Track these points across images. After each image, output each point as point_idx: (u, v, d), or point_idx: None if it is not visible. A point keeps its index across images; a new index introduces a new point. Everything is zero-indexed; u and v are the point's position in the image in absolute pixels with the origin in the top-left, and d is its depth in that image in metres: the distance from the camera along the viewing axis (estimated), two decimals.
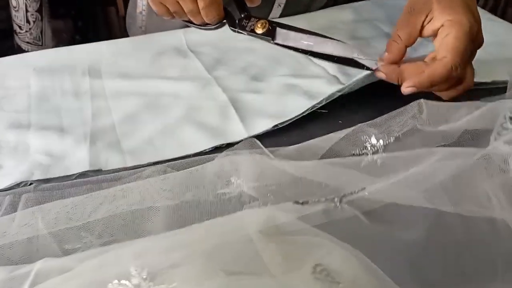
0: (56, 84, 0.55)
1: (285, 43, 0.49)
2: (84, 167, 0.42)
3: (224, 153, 0.39)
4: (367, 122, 0.44)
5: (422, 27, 0.46)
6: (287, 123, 0.47)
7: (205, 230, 0.28)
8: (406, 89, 0.44)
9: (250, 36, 0.51)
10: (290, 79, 0.55)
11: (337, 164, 0.35)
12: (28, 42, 0.79)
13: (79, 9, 0.82)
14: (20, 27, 0.79)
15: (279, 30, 0.50)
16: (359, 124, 0.44)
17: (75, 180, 0.40)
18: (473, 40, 0.44)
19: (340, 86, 0.51)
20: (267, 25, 0.50)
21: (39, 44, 0.79)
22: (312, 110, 0.48)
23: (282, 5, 0.70)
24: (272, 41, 0.50)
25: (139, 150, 0.45)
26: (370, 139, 0.43)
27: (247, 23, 0.51)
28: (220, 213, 0.34)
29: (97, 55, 0.61)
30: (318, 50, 0.48)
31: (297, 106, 0.49)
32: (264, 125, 0.47)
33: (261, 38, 0.51)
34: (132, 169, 0.42)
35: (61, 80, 0.55)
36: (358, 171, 0.36)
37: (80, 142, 0.45)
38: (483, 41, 0.46)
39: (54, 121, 0.49)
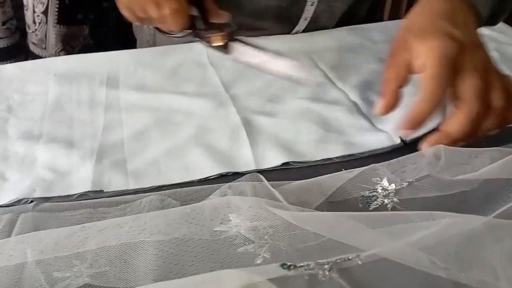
0: (73, 92, 0.55)
1: (241, 58, 0.52)
2: (86, 187, 0.42)
3: (227, 185, 0.38)
4: (381, 163, 0.41)
5: (410, 64, 0.43)
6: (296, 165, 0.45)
7: (184, 286, 0.27)
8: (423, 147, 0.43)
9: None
10: (307, 103, 0.53)
11: (340, 217, 0.33)
12: (33, 43, 0.80)
13: (98, 15, 0.81)
14: (28, 26, 0.80)
15: (237, 45, 0.52)
16: (372, 164, 0.42)
17: (74, 202, 0.39)
18: (455, 64, 0.41)
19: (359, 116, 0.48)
20: (226, 38, 0.52)
21: (43, 47, 0.79)
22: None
23: (308, 19, 0.68)
24: (228, 54, 0.52)
25: (143, 172, 0.44)
26: (382, 181, 0.41)
27: (208, 34, 0.53)
28: (214, 255, 0.33)
29: (117, 64, 0.60)
30: (269, 66, 0.51)
31: (310, 140, 0.47)
32: (273, 159, 0.45)
33: (219, 51, 0.53)
34: (133, 193, 0.41)
35: (78, 88, 0.56)
36: (365, 222, 0.33)
37: (86, 158, 0.45)
38: (484, 61, 0.43)
39: (64, 132, 0.49)
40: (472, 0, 0.46)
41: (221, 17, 0.56)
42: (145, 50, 0.65)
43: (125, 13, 0.53)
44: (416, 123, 0.41)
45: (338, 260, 0.29)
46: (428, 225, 0.34)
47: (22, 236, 0.34)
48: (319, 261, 0.29)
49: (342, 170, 0.42)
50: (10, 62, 0.59)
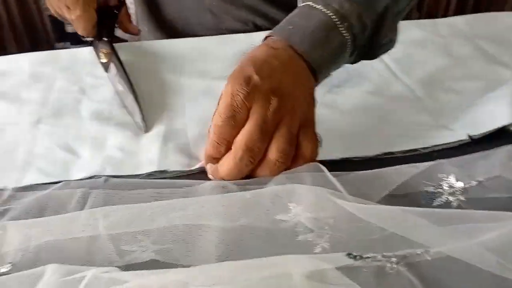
0: (142, 78, 0.57)
1: (111, 79, 0.55)
2: (152, 167, 0.44)
3: (284, 175, 0.38)
4: (448, 159, 0.40)
5: None
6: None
7: (248, 268, 0.27)
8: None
9: None
10: (369, 96, 0.53)
11: (405, 212, 0.32)
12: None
13: None
14: None
15: (112, 66, 0.56)
16: (439, 160, 0.40)
17: (142, 181, 0.41)
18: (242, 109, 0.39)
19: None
20: (109, 56, 0.57)
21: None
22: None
23: None
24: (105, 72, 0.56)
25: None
26: (448, 178, 0.40)
27: (99, 47, 0.58)
28: (274, 241, 0.34)
29: (179, 51, 0.62)
30: (122, 97, 0.53)
31: (371, 133, 0.47)
32: (333, 151, 0.44)
33: (102, 66, 0.57)
34: (196, 173, 0.42)
35: (147, 75, 0.58)
36: (429, 219, 0.33)
37: (153, 141, 0.47)
38: (278, 110, 0.39)
39: (133, 116, 0.51)
40: (306, 53, 0.43)
41: (132, 31, 0.64)
42: (206, 38, 0.66)
43: (50, 8, 0.61)
44: (207, 160, 0.41)
45: (407, 254, 0.28)
46: (496, 227, 0.33)
47: (95, 209, 0.36)
48: (385, 253, 0.28)
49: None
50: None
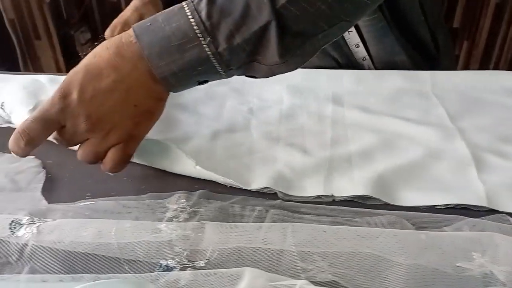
0: (304, 105, 0.60)
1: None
2: (318, 190, 0.46)
3: (468, 221, 0.38)
4: None
5: None
6: None
7: None
8: None
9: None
10: None
11: None
12: None
13: None
14: None
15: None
16: None
17: (315, 206, 0.43)
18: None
19: None
20: None
21: None
22: None
23: None
24: None
25: (371, 186, 0.46)
26: None
27: None
28: None
29: (339, 83, 0.64)
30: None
31: None
32: (510, 203, 0.43)
33: None
34: (365, 208, 0.43)
35: (308, 102, 0.61)
36: None
37: (319, 166, 0.49)
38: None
39: (298, 139, 0.54)
40: (151, 60, 0.40)
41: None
42: (366, 72, 0.68)
43: None
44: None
45: None
46: None
47: (279, 224, 0.39)
48: None
49: None
50: None
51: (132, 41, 0.40)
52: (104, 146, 0.42)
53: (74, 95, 0.40)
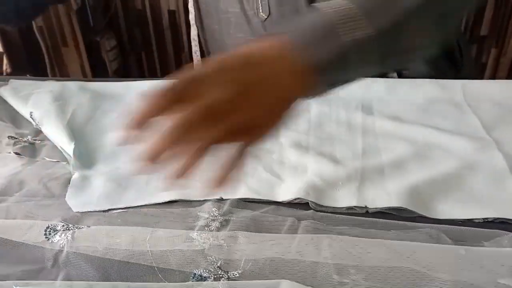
0: (333, 113, 0.60)
1: None
2: (351, 201, 0.45)
3: (508, 236, 0.36)
4: None
5: None
6: None
7: None
8: None
9: None
10: None
11: None
12: None
13: None
14: None
15: None
16: None
17: (347, 217, 0.43)
18: None
19: None
20: None
21: None
22: None
23: None
24: None
25: (405, 197, 0.45)
26: None
27: None
28: None
29: (369, 92, 0.64)
30: None
31: None
32: None
33: None
34: (401, 220, 0.42)
35: (337, 110, 0.60)
36: None
37: (350, 176, 0.49)
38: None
39: (328, 148, 0.53)
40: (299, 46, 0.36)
41: None
42: (396, 80, 0.67)
43: None
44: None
45: None
46: None
47: (315, 235, 0.38)
48: None
49: None
50: None
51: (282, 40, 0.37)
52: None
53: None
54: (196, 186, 0.47)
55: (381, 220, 0.42)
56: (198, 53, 0.81)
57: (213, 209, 0.44)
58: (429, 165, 0.50)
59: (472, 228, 0.41)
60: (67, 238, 0.40)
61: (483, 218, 0.43)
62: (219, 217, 0.43)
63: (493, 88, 0.62)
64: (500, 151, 0.50)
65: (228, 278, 0.36)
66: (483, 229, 0.41)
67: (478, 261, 0.35)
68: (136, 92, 0.64)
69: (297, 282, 0.35)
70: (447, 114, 0.58)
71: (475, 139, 0.53)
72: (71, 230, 0.41)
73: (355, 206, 0.45)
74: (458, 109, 0.59)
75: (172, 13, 1.50)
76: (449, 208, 0.44)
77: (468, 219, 0.43)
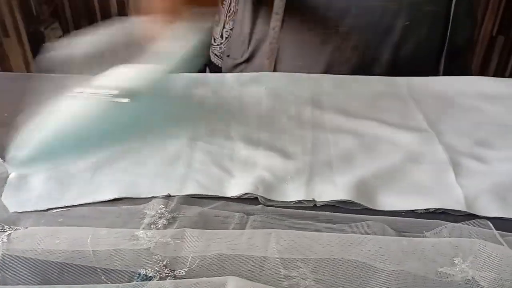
0: (283, 108, 0.60)
1: None
2: (299, 195, 0.46)
3: (447, 226, 0.38)
4: None
5: None
6: None
7: None
8: None
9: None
10: None
11: None
12: (215, 54, 0.88)
13: None
14: (214, 39, 0.88)
15: None
16: None
17: (297, 211, 0.43)
18: None
19: None
20: None
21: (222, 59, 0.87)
22: None
23: None
24: None
25: (352, 190, 0.46)
26: None
27: None
28: None
29: (319, 87, 0.64)
30: None
31: None
32: (488, 206, 0.43)
33: None
34: (348, 213, 0.43)
35: (287, 105, 0.61)
36: None
37: (300, 170, 0.49)
38: None
39: (278, 143, 0.53)
40: None
41: None
42: (346, 77, 0.68)
43: None
44: None
45: None
46: None
47: (262, 230, 0.38)
48: None
49: None
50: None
51: None
52: None
53: None
54: (143, 183, 0.47)
55: (329, 213, 0.43)
56: None
57: (160, 206, 0.43)
58: (375, 158, 0.51)
59: (415, 219, 0.43)
60: (2, 240, 0.38)
61: (424, 209, 0.44)
62: (167, 214, 0.42)
63: (435, 83, 0.65)
64: (441, 144, 0.52)
65: (175, 277, 0.35)
66: (426, 220, 0.42)
67: (419, 251, 0.36)
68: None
69: (245, 277, 0.34)
70: (393, 109, 0.60)
71: (419, 132, 0.55)
72: (6, 232, 0.39)
73: (303, 200, 0.45)
74: (403, 104, 0.61)
75: (120, 2, 1.45)
76: (393, 200, 0.45)
77: (411, 210, 0.44)
